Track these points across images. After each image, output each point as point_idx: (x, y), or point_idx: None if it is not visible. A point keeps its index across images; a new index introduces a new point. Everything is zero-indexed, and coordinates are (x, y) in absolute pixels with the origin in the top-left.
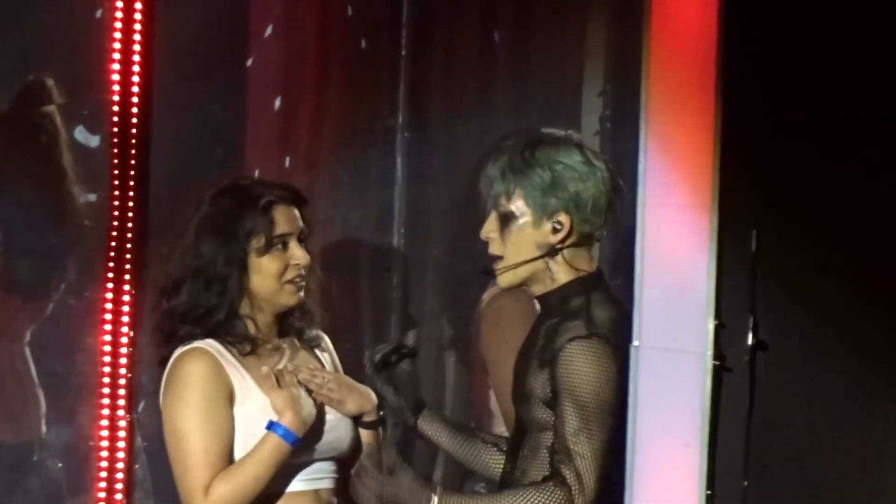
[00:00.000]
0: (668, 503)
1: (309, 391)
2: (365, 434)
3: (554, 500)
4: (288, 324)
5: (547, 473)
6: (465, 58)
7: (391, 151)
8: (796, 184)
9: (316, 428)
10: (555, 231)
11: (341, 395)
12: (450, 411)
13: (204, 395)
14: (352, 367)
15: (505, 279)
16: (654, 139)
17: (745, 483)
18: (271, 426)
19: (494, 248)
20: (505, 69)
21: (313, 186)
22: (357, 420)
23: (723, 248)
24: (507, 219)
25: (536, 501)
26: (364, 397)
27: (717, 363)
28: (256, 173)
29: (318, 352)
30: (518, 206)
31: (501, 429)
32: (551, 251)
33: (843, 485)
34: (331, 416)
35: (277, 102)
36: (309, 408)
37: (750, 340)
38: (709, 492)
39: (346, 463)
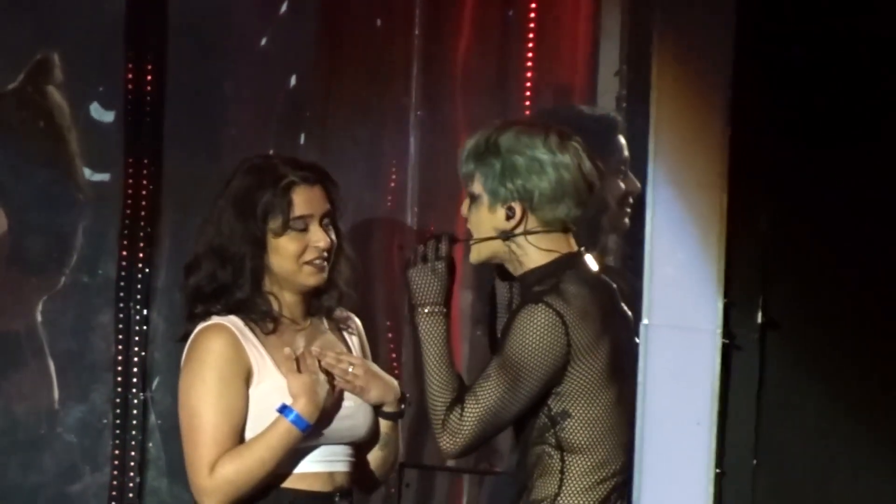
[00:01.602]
0: (678, 481)
1: (331, 376)
2: (384, 424)
3: (439, 419)
4: (316, 303)
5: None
6: (480, 36)
7: (404, 130)
8: (807, 162)
9: (332, 412)
10: (507, 218)
11: (365, 382)
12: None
13: (219, 373)
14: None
15: (471, 256)
16: (664, 118)
17: (755, 462)
18: (283, 410)
19: (468, 225)
20: (519, 48)
21: (327, 166)
22: (377, 409)
23: (733, 227)
24: (472, 199)
25: (431, 401)
26: (387, 387)
27: (727, 341)
28: (270, 153)
29: (346, 334)
30: (477, 189)
31: None
32: (506, 235)
33: (856, 464)
34: (350, 402)
35: (293, 81)
36: (325, 394)
37: (760, 319)
38: (718, 470)
39: (362, 448)
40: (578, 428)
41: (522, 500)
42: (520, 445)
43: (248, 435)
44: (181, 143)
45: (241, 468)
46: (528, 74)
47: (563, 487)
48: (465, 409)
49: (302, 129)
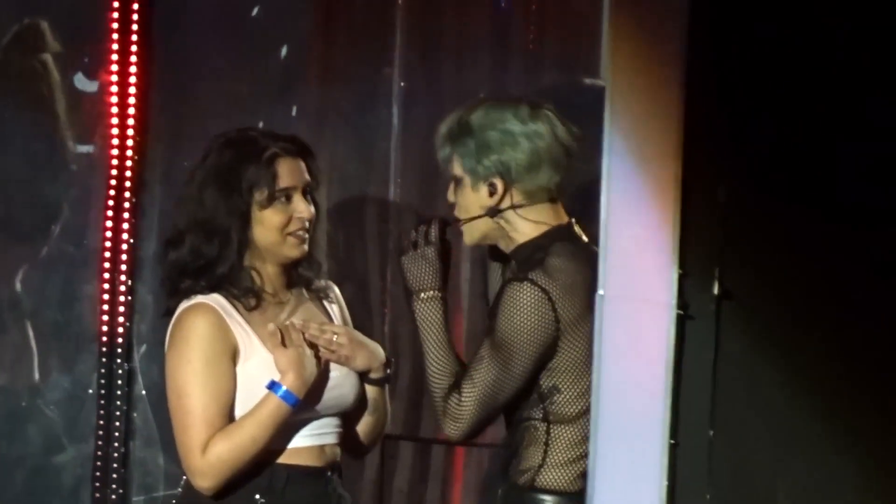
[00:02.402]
0: (632, 452)
1: (316, 347)
2: (371, 390)
3: (437, 401)
4: (295, 275)
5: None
6: (464, 3)
7: (387, 101)
8: (762, 133)
9: (320, 385)
10: (490, 194)
11: (350, 351)
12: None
13: (205, 354)
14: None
15: (465, 238)
16: (619, 90)
17: (711, 433)
18: (272, 386)
19: (456, 210)
20: (515, 16)
21: (315, 136)
22: (363, 376)
23: (688, 198)
24: (455, 182)
25: (433, 389)
26: (372, 353)
27: (682, 313)
28: (260, 124)
29: (326, 303)
30: (458, 170)
31: None
32: (493, 211)
33: (811, 435)
34: (336, 372)
35: (284, 51)
36: (312, 368)
37: (716, 290)
38: (672, 441)
39: (350, 417)
40: (568, 402)
41: (510, 471)
42: (508, 421)
43: (239, 413)
44: (168, 113)
45: (232, 447)
46: (530, 47)
47: (548, 458)
48: (463, 394)
49: (294, 102)
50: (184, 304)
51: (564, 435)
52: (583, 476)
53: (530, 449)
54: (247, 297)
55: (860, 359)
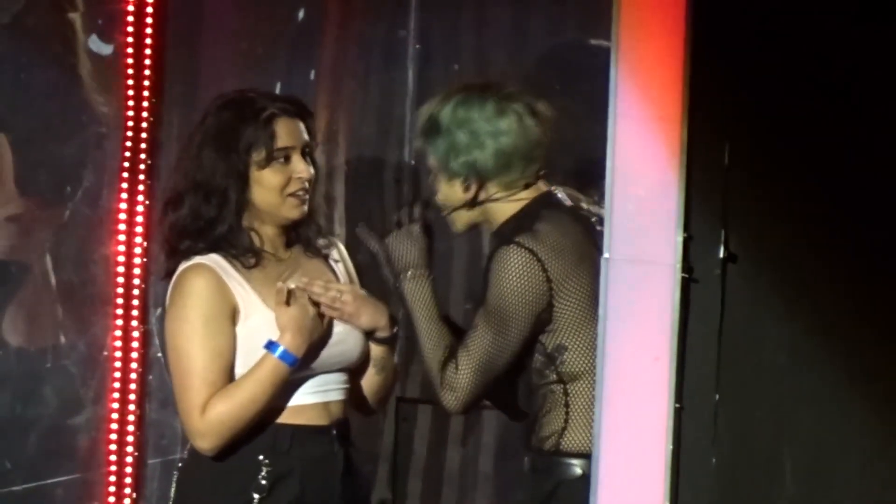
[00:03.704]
0: (637, 416)
1: (319, 306)
2: (377, 349)
3: (434, 375)
4: (295, 235)
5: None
6: None
7: (402, 64)
8: (767, 96)
9: (323, 341)
10: (466, 189)
11: (355, 308)
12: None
13: (204, 314)
14: (365, 276)
15: (453, 227)
16: (625, 52)
17: (716, 397)
18: (270, 346)
19: (437, 197)
20: None
21: (331, 99)
22: (369, 335)
23: (693, 161)
24: (434, 173)
25: (428, 366)
26: (378, 311)
27: (687, 276)
28: (277, 86)
29: (331, 262)
30: (433, 164)
31: None
32: (472, 203)
33: (816, 398)
34: (339, 328)
35: (301, 14)
36: (315, 326)
37: (721, 253)
38: (678, 405)
39: (356, 374)
40: (577, 357)
41: (532, 440)
42: (522, 389)
43: (240, 372)
44: (183, 75)
45: (232, 407)
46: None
47: (570, 420)
48: (459, 363)
49: (311, 64)
50: (182, 265)
51: (582, 392)
52: None
53: (552, 414)
54: (246, 256)
55: (866, 321)
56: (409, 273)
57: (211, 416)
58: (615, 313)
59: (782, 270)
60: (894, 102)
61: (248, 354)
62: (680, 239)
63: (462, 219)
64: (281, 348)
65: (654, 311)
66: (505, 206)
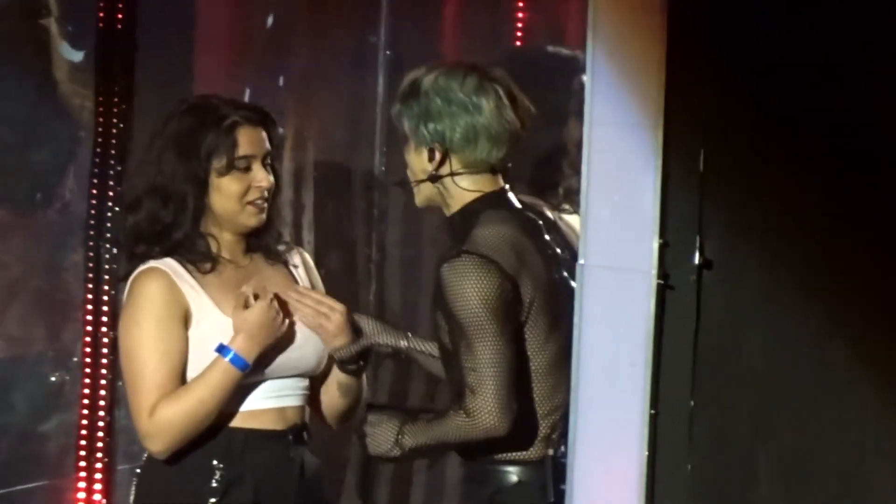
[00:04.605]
0: (613, 421)
1: (285, 310)
2: (343, 375)
3: (455, 423)
4: (255, 242)
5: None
6: None
7: (373, 70)
8: (743, 103)
9: (280, 346)
10: (430, 159)
11: (337, 329)
12: None
13: (156, 317)
14: (335, 283)
15: (415, 199)
16: (600, 58)
17: (692, 403)
18: (221, 349)
19: (407, 170)
20: None
21: (301, 105)
22: (339, 365)
23: (669, 167)
24: (404, 140)
25: (447, 429)
26: (355, 342)
27: (662, 282)
28: (247, 92)
29: (290, 268)
30: (405, 130)
31: None
32: (433, 177)
33: (793, 405)
34: (299, 334)
35: (270, 20)
36: (269, 332)
37: (696, 259)
38: (653, 411)
39: (318, 381)
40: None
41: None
42: (453, 387)
43: (192, 376)
44: (153, 82)
45: (180, 410)
46: (520, 14)
47: None
48: (474, 387)
49: (280, 71)
50: (137, 269)
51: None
52: (545, 442)
53: None
54: (202, 261)
55: (842, 327)
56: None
57: (159, 419)
58: (591, 319)
59: (758, 277)
60: (871, 108)
61: (200, 359)
62: (655, 245)
63: (423, 192)
64: (232, 352)
65: (629, 317)
66: (461, 193)
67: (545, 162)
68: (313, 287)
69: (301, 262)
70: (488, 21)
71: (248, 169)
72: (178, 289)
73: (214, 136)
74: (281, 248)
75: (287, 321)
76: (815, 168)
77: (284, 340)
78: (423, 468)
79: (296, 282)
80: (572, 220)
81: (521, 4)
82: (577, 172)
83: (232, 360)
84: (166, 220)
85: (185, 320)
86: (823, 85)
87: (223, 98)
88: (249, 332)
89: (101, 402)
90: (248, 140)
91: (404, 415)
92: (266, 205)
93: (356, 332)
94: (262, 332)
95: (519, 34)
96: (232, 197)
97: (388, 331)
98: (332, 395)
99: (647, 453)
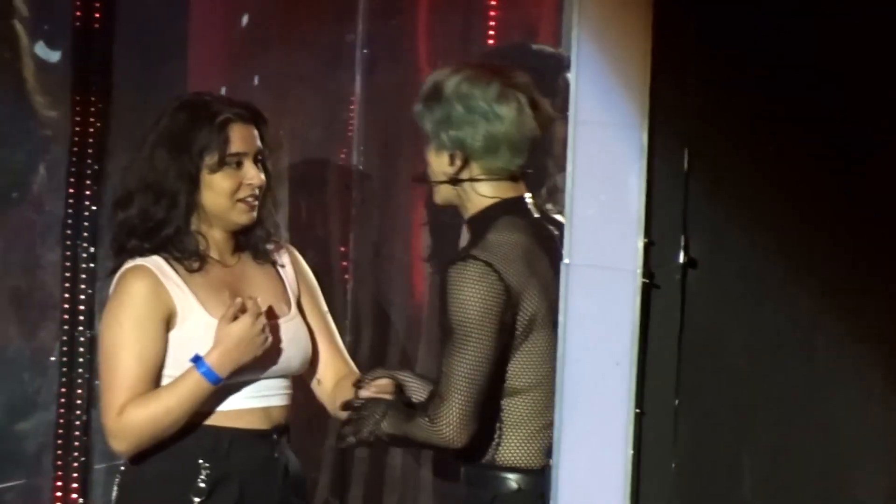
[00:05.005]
0: (598, 421)
1: (272, 318)
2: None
3: (419, 424)
4: (243, 241)
5: None
6: None
7: (350, 68)
8: (728, 102)
9: (265, 351)
10: (451, 163)
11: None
12: (424, 325)
13: (136, 317)
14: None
15: (435, 198)
16: (585, 58)
17: (677, 402)
18: (196, 360)
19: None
20: None
21: (278, 103)
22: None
23: (654, 167)
24: (426, 140)
25: (415, 428)
26: None
27: (647, 281)
28: (223, 90)
29: (277, 268)
30: (427, 131)
31: None
32: (453, 181)
33: (777, 403)
34: (283, 335)
35: (245, 20)
36: (248, 348)
37: (681, 258)
38: (638, 410)
39: (315, 377)
40: (518, 371)
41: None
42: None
43: (173, 373)
44: (130, 81)
45: (147, 415)
46: (492, 13)
47: (504, 434)
48: (442, 393)
49: (256, 71)
50: (124, 266)
51: (519, 408)
52: (543, 452)
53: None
54: (190, 259)
55: (826, 327)
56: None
57: (125, 420)
58: (576, 318)
59: (742, 276)
60: (856, 107)
61: (184, 357)
62: (640, 244)
63: (442, 193)
64: (206, 366)
65: (614, 316)
66: (479, 199)
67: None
68: (299, 284)
69: (289, 262)
70: (461, 20)
71: (239, 166)
72: (164, 288)
73: (207, 132)
74: (269, 247)
75: (270, 340)
76: (800, 167)
77: (268, 348)
78: (396, 469)
79: (282, 282)
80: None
81: (493, 3)
82: (561, 171)
83: (204, 374)
84: (157, 216)
85: (168, 321)
86: (809, 84)
87: (215, 95)
88: (227, 347)
89: (78, 401)
90: (240, 137)
91: (393, 402)
92: (257, 202)
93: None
94: (241, 347)
95: (492, 33)
96: (223, 194)
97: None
98: (343, 388)
99: (632, 452)
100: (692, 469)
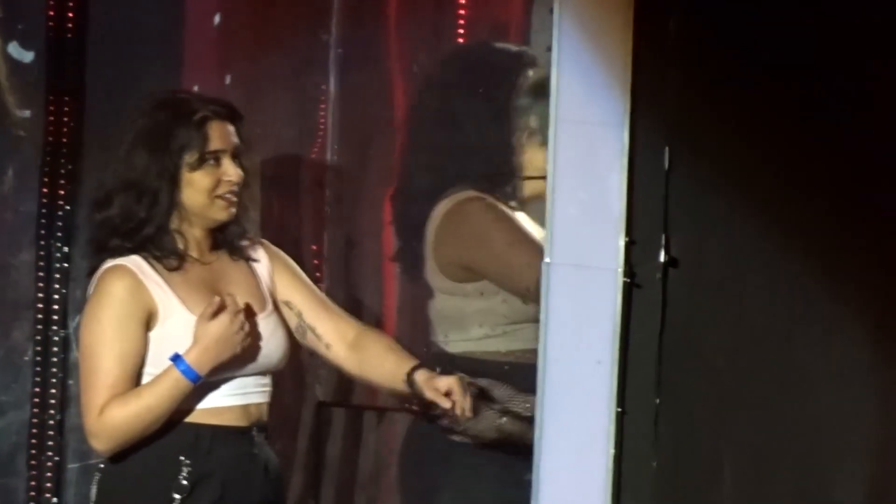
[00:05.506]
0: (579, 420)
1: (251, 316)
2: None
3: None
4: (220, 237)
5: None
6: None
7: (324, 67)
8: (709, 101)
9: (244, 349)
10: None
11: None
12: (396, 323)
13: (116, 317)
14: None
15: (519, 191)
16: (566, 56)
17: (658, 401)
18: (175, 359)
19: None
20: None
21: (250, 102)
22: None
23: (635, 166)
24: (530, 134)
25: None
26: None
27: (628, 280)
28: (196, 90)
29: (253, 265)
30: (531, 126)
31: (441, 337)
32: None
33: (756, 401)
34: (263, 332)
35: (217, 18)
36: (227, 346)
37: (662, 257)
38: (619, 409)
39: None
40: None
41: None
42: None
43: (153, 372)
44: (103, 80)
45: (127, 414)
46: (462, 12)
47: None
48: None
49: (227, 70)
50: (103, 266)
51: None
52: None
53: None
54: (169, 258)
55: (806, 325)
56: None
57: (106, 419)
58: (557, 317)
59: (723, 275)
60: (837, 105)
61: (165, 354)
62: (622, 243)
63: (532, 187)
64: (185, 364)
65: (595, 315)
66: None
67: (493, 158)
68: (277, 275)
69: (263, 256)
70: (430, 18)
71: (217, 163)
72: (145, 287)
73: (186, 130)
74: (244, 243)
75: (249, 337)
76: (781, 166)
77: (247, 346)
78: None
79: (255, 278)
80: None
81: (463, 1)
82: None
83: (184, 372)
84: (140, 215)
85: (148, 320)
86: (789, 83)
87: (192, 92)
88: (206, 345)
89: (52, 401)
90: (219, 134)
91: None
92: (235, 199)
93: None
94: (220, 346)
95: (461, 31)
96: (202, 191)
97: None
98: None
99: (613, 451)
100: (673, 467)
